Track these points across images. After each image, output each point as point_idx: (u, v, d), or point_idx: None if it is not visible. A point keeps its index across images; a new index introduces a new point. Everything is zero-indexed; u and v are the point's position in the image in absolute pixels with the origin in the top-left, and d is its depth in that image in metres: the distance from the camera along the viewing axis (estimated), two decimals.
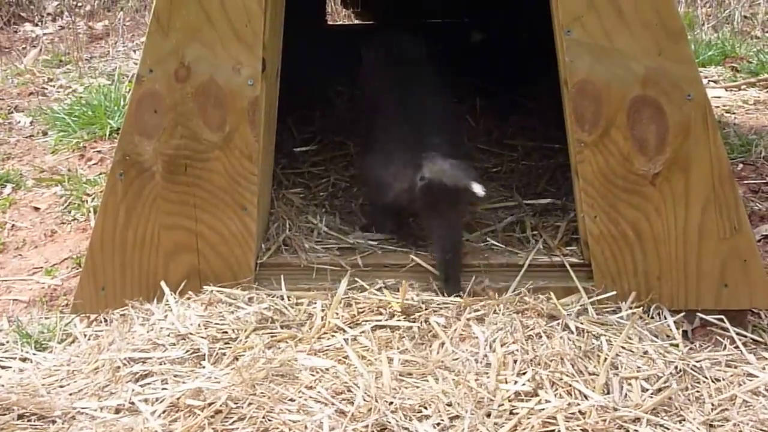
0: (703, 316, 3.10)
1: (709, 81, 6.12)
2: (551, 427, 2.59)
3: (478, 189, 3.14)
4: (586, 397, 2.68)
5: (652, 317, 3.05)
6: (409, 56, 3.81)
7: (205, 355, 2.85)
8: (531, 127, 4.66)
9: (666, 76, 3.02)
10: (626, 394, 2.71)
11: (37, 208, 4.28)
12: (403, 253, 3.31)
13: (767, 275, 3.15)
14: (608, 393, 2.70)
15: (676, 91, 3.03)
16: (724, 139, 3.31)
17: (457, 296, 3.08)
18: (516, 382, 2.71)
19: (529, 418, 2.61)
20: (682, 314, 3.08)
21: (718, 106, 5.52)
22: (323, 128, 4.74)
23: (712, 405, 2.71)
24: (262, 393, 2.67)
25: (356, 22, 7.35)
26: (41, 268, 3.74)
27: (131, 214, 3.15)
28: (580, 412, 2.63)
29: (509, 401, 2.66)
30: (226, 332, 2.94)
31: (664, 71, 3.02)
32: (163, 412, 2.65)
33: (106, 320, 3.14)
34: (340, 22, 7.55)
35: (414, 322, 2.95)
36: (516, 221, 3.56)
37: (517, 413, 2.62)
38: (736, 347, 2.98)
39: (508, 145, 4.47)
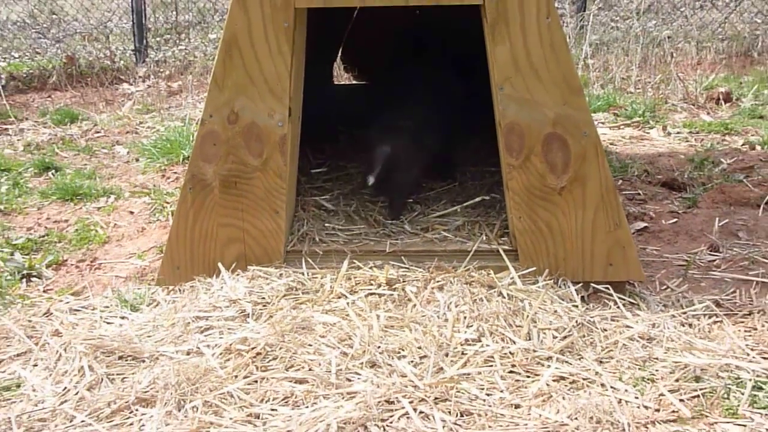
0: (595, 286, 3.10)
1: (598, 123, 6.12)
2: (490, 363, 2.60)
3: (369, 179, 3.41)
4: (514, 342, 2.68)
5: (560, 286, 3.05)
6: None
7: (249, 314, 2.85)
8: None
9: (569, 119, 3.02)
10: (542, 340, 2.71)
11: (132, 212, 4.27)
12: (386, 243, 3.30)
13: (639, 257, 3.16)
14: (530, 339, 2.70)
15: (576, 129, 3.03)
16: (609, 163, 3.31)
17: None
18: (465, 332, 2.71)
19: (475, 357, 2.61)
20: (581, 284, 3.08)
21: (604, 140, 5.53)
22: (331, 156, 4.72)
23: (602, 347, 2.72)
24: (289, 340, 2.67)
25: (354, 82, 7.31)
26: (135, 253, 3.72)
27: (197, 217, 3.14)
28: (510, 352, 2.64)
29: (461, 345, 2.66)
30: (264, 298, 2.93)
31: (568, 116, 3.02)
32: (220, 354, 2.64)
33: (180, 290, 3.13)
34: (343, 82, 7.52)
35: (395, 290, 2.95)
36: (464, 222, 3.54)
37: (467, 354, 2.62)
38: (618, 307, 2.98)
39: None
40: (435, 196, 3.94)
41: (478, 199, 3.69)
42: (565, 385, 2.52)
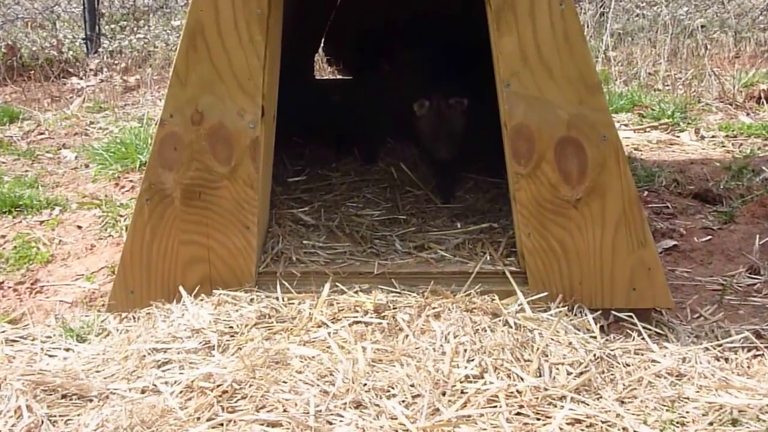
0: (616, 314, 3.10)
1: (620, 125, 6.14)
2: (494, 404, 2.58)
3: None
4: (522, 379, 2.67)
5: (575, 314, 3.04)
6: None
7: (214, 345, 2.83)
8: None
9: (586, 121, 3.03)
10: (554, 377, 2.70)
11: (79, 227, 4.26)
12: (373, 263, 3.29)
13: (667, 281, 3.16)
14: (540, 376, 2.69)
15: (593, 132, 3.03)
16: (633, 172, 3.32)
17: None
18: (466, 367, 2.70)
19: (476, 396, 2.60)
20: (599, 312, 3.08)
21: (627, 145, 5.54)
22: (311, 162, 4.73)
23: (624, 385, 2.71)
24: (260, 376, 2.65)
25: (338, 77, 7.32)
26: (82, 275, 3.71)
27: (155, 232, 3.13)
28: (517, 391, 2.63)
29: (460, 382, 2.65)
30: (232, 327, 2.92)
31: (584, 117, 3.03)
32: (180, 392, 2.63)
33: (134, 317, 3.12)
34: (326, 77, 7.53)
35: (383, 318, 2.94)
36: (465, 240, 3.54)
37: (467, 392, 2.61)
38: (643, 339, 2.97)
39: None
40: (433, 210, 3.95)
41: (485, 225, 3.67)
42: (582, 429, 2.51)
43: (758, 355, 2.95)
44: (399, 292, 3.10)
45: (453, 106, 3.99)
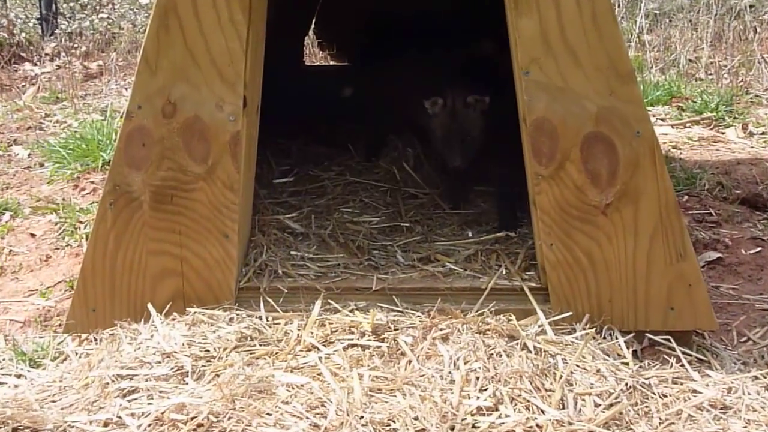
0: (652, 337, 3.10)
1: (656, 119, 6.15)
2: None
3: None
4: (543, 411, 2.67)
5: (605, 337, 3.04)
6: None
7: (188, 372, 2.83)
8: None
9: (617, 115, 3.03)
10: (580, 409, 2.70)
11: (33, 235, 4.26)
12: (371, 278, 3.29)
13: (710, 299, 3.16)
14: (563, 408, 2.69)
15: (626, 128, 3.04)
16: (671, 173, 3.32)
17: None
18: (478, 398, 2.70)
19: (490, 431, 2.60)
20: (632, 335, 3.08)
21: (665, 142, 5.55)
22: (300, 161, 4.73)
23: (660, 419, 2.71)
24: (241, 407, 2.65)
25: (332, 63, 7.34)
26: (36, 290, 3.71)
27: (120, 241, 3.13)
28: (537, 425, 2.62)
29: (472, 416, 2.65)
30: (208, 350, 2.92)
31: (615, 110, 3.03)
32: (149, 425, 2.62)
33: (96, 339, 3.12)
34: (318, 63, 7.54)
35: (383, 341, 2.94)
36: (477, 252, 3.53)
37: (479, 427, 2.61)
38: (682, 365, 2.97)
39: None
40: (441, 216, 3.95)
41: (500, 234, 3.66)
42: None
43: None
44: (401, 311, 3.10)
45: (471, 105, 3.85)
